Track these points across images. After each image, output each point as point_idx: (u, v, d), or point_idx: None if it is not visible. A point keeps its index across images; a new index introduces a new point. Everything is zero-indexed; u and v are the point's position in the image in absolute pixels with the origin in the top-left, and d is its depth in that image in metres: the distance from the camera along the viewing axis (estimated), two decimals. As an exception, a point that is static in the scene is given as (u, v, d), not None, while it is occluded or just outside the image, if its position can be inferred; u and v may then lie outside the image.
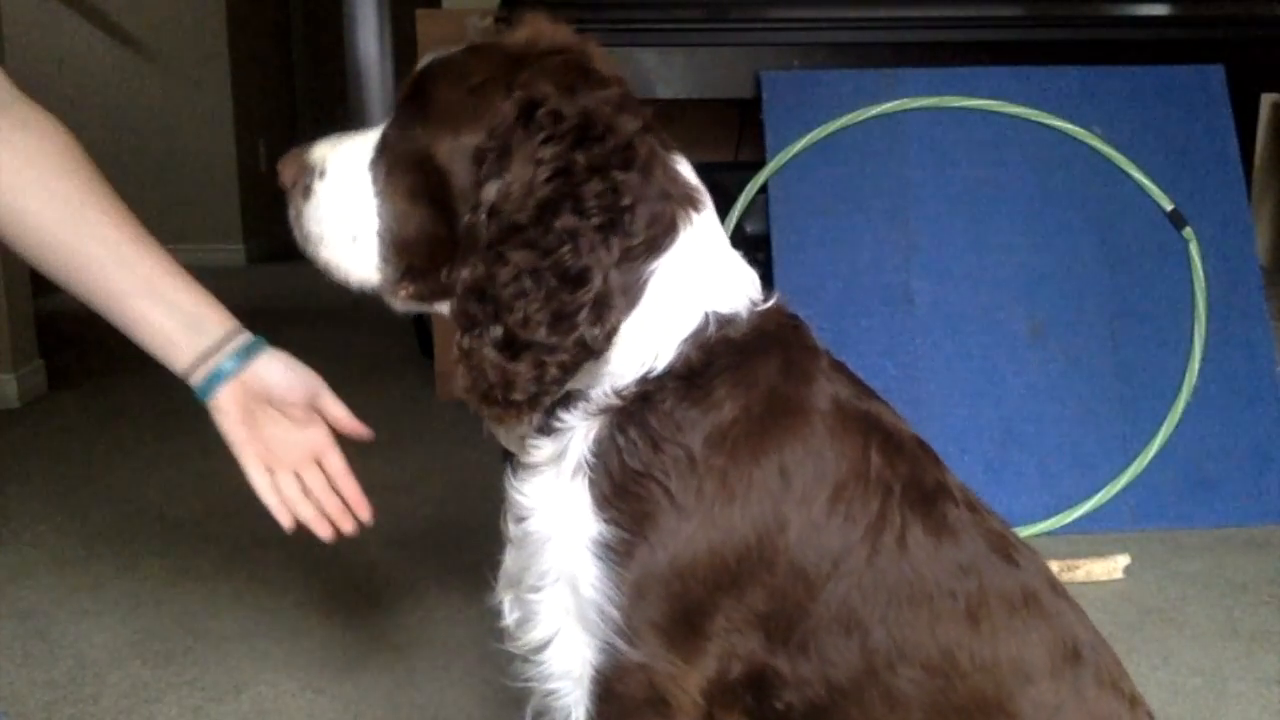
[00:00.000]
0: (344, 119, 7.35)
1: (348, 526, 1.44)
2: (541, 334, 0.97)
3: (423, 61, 1.08)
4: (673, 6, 2.95)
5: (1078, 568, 2.26)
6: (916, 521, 1.06)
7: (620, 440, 1.03)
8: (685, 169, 1.09)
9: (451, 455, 2.89)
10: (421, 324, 3.83)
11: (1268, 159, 4.15)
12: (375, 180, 1.07)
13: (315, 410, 1.43)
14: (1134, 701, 1.11)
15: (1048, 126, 2.69)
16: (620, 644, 1.03)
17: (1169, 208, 2.66)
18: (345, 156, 1.09)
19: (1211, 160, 2.72)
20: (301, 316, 4.40)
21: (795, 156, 2.65)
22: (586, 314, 0.96)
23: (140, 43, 5.41)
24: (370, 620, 2.11)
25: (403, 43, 7.09)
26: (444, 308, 1.10)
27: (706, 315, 1.05)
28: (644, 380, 1.03)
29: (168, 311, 1.35)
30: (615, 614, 1.02)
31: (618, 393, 1.04)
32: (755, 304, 1.09)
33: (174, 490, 2.74)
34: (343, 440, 1.51)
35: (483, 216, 0.99)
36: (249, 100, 5.76)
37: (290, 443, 1.41)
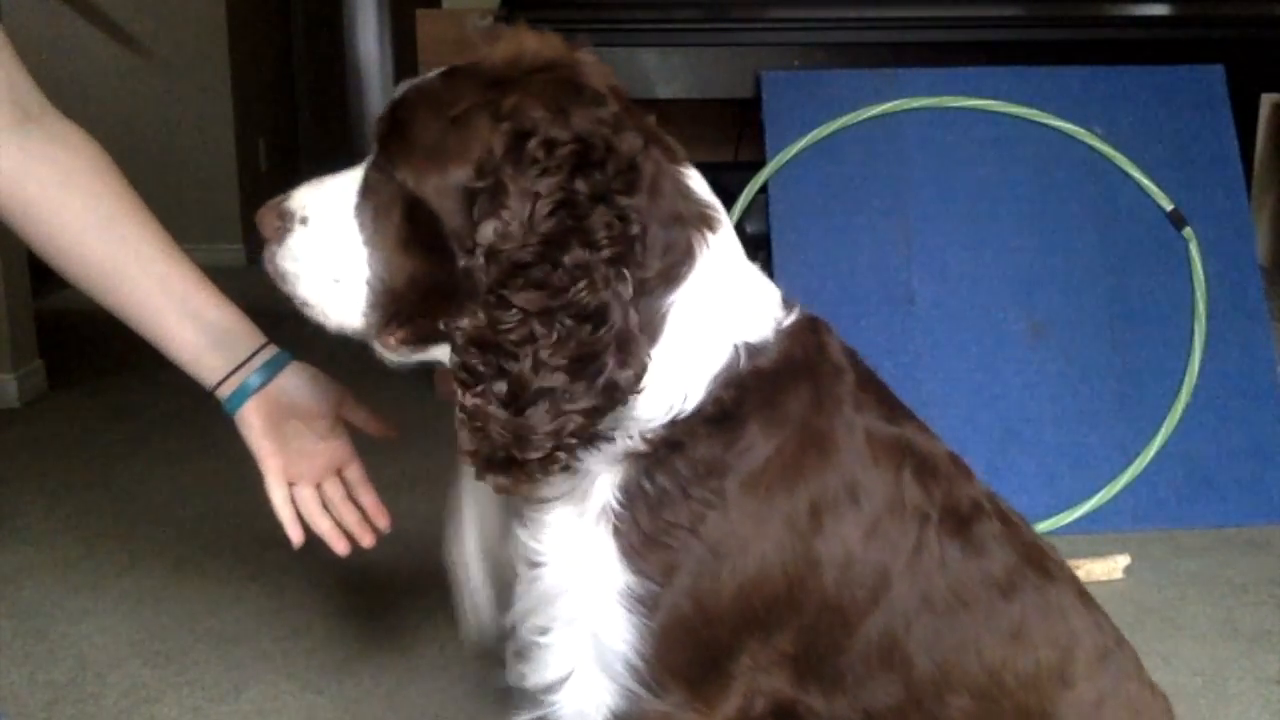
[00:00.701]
0: (344, 119, 7.34)
1: (366, 540, 1.46)
2: (559, 380, 0.88)
3: (398, 90, 0.99)
4: (673, 6, 2.95)
5: (1078, 568, 2.26)
6: (955, 545, 1.03)
7: (649, 487, 0.96)
8: (696, 182, 1.02)
9: (451, 455, 2.88)
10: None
11: (1268, 159, 4.15)
12: (362, 227, 0.98)
13: (340, 420, 1.42)
14: (1153, 688, 1.14)
15: (1048, 126, 2.69)
16: (642, 692, 0.98)
17: (1169, 208, 2.66)
18: (327, 201, 1.00)
19: (1211, 160, 2.72)
20: (301, 316, 4.38)
21: (795, 156, 2.65)
22: (613, 354, 0.88)
23: (140, 43, 5.41)
24: (370, 620, 2.11)
25: (403, 43, 7.09)
26: (442, 353, 1.02)
27: (736, 349, 0.98)
28: (673, 424, 0.96)
29: (199, 329, 1.38)
30: (640, 663, 0.97)
31: (644, 436, 0.97)
32: (780, 323, 1.02)
33: (174, 490, 2.74)
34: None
35: (480, 260, 0.90)
36: (249, 100, 5.76)
37: (313, 454, 1.41)
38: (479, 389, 0.91)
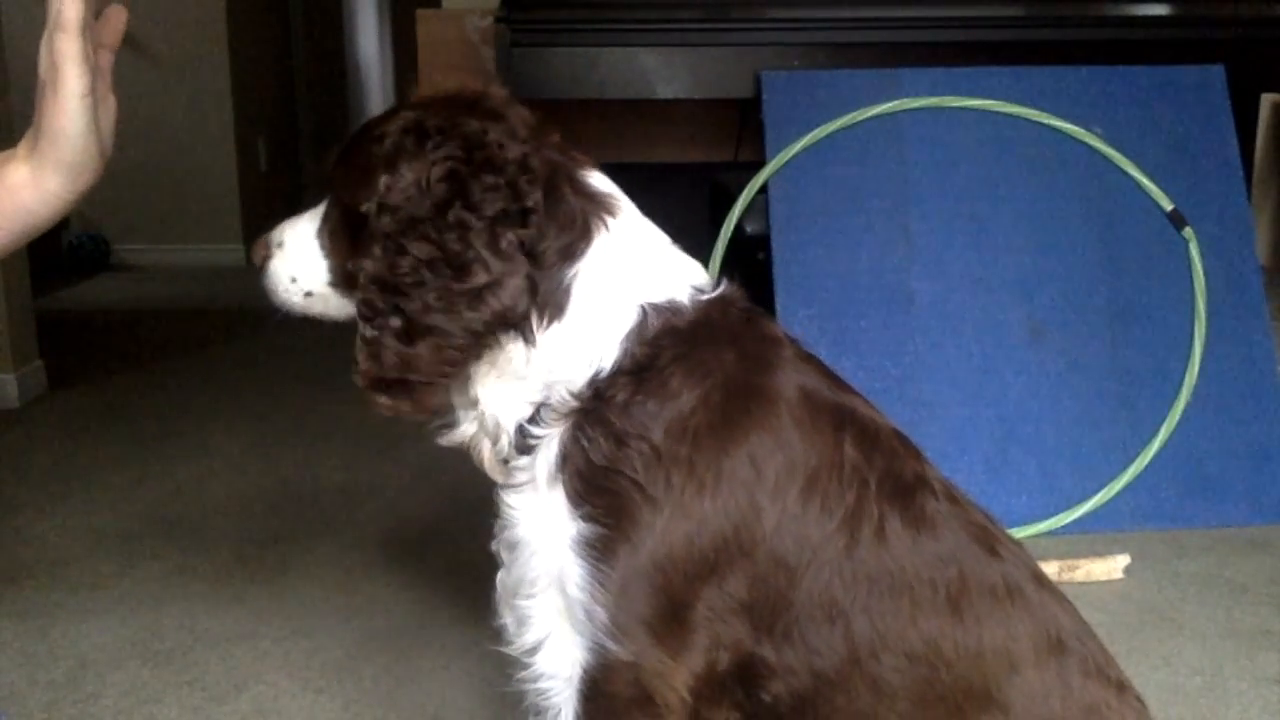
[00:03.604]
0: (344, 119, 7.34)
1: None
2: (439, 320, 1.04)
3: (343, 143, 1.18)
4: (673, 6, 2.95)
5: (1078, 568, 2.26)
6: (895, 514, 1.07)
7: (584, 440, 1.06)
8: (597, 180, 1.14)
9: (451, 455, 2.88)
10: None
11: (1268, 159, 4.15)
12: (321, 245, 1.20)
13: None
14: (1121, 688, 1.11)
15: (1048, 126, 2.69)
16: (608, 643, 1.04)
17: (1169, 208, 2.66)
18: (296, 231, 1.22)
19: (1211, 160, 2.72)
20: (301, 316, 4.38)
21: (795, 156, 2.65)
22: (470, 300, 1.03)
23: (140, 43, 5.41)
24: (370, 620, 2.11)
25: (403, 43, 7.10)
26: None
27: (643, 309, 1.08)
28: (594, 381, 1.07)
29: None
30: (601, 612, 1.04)
31: (574, 396, 1.08)
32: (700, 292, 1.11)
33: (174, 490, 2.74)
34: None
35: (377, 209, 1.07)
36: (249, 100, 5.76)
37: None
38: (376, 322, 1.07)
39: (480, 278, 1.03)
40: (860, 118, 2.67)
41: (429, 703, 1.83)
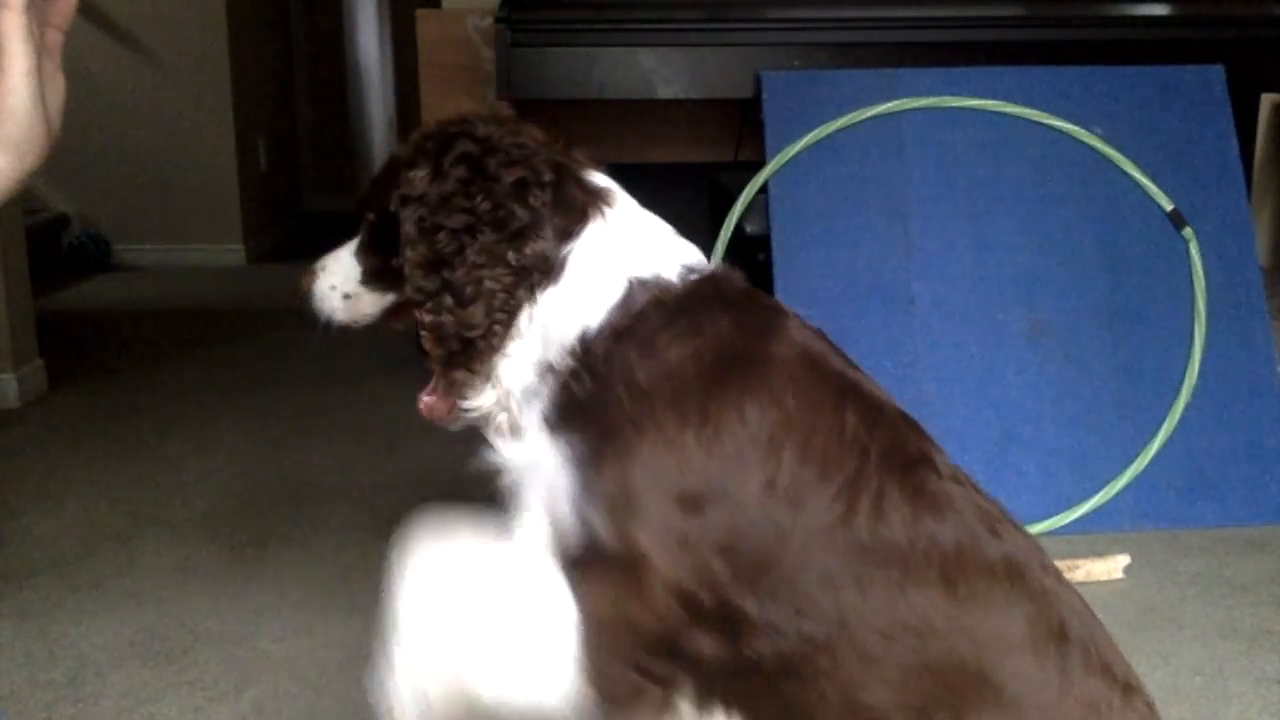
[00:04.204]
0: (344, 119, 7.34)
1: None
2: (484, 274, 1.13)
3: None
4: (673, 6, 2.96)
5: (1078, 568, 2.26)
6: (894, 486, 1.06)
7: (572, 385, 1.11)
8: (598, 178, 1.22)
9: (452, 455, 2.88)
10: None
11: (1268, 159, 4.15)
12: (358, 257, 1.33)
13: None
14: (1128, 689, 1.09)
15: (1048, 126, 2.69)
16: (597, 533, 1.06)
17: (1169, 208, 2.66)
18: (336, 255, 1.36)
19: (1211, 160, 2.72)
20: (301, 317, 4.38)
21: (795, 156, 2.65)
22: (510, 242, 1.12)
23: (140, 43, 5.41)
24: (370, 620, 2.10)
25: (403, 43, 7.10)
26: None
27: (630, 281, 1.13)
28: (584, 337, 1.12)
29: None
30: (593, 515, 1.06)
31: (569, 352, 1.13)
32: (691, 270, 1.15)
33: (174, 490, 2.74)
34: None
35: (401, 202, 1.17)
36: (249, 100, 5.76)
37: None
38: (432, 306, 1.16)
39: (517, 222, 1.12)
40: (860, 118, 2.67)
41: (429, 703, 1.83)
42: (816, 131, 2.65)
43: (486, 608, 1.09)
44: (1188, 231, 2.65)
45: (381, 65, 7.50)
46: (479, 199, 1.13)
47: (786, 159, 2.65)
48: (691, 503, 1.05)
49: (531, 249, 1.13)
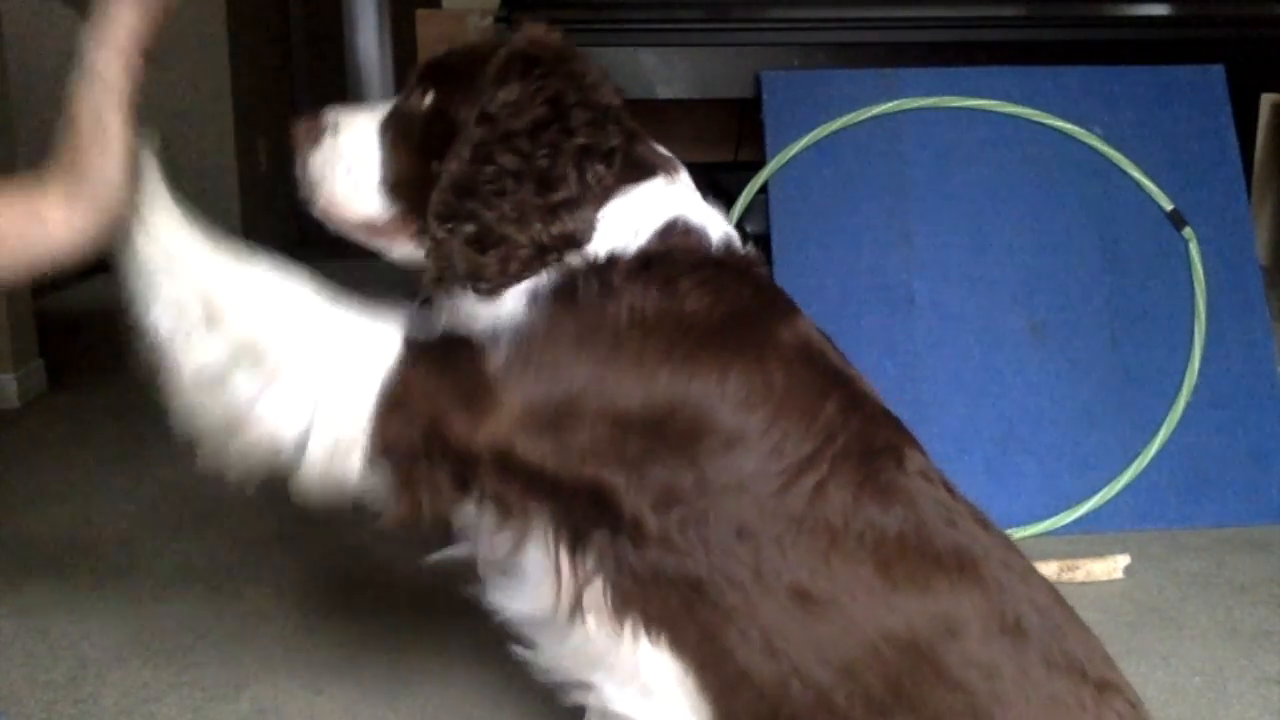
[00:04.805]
0: (344, 119, 7.35)
1: None
2: (511, 229, 1.08)
3: (429, 55, 1.22)
4: (673, 6, 2.95)
5: (1078, 568, 2.26)
6: (845, 473, 1.07)
7: (580, 281, 1.10)
8: (661, 148, 1.21)
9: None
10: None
11: (1268, 159, 4.15)
12: (384, 138, 1.19)
13: None
14: (1104, 686, 1.07)
15: (1048, 126, 2.69)
16: (484, 350, 1.07)
17: (1169, 208, 2.66)
18: (358, 117, 1.21)
19: (1211, 160, 2.72)
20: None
21: (795, 156, 2.65)
22: (544, 214, 1.08)
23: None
24: (370, 620, 2.11)
25: (403, 43, 7.10)
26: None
27: (675, 219, 1.13)
28: (612, 256, 1.11)
29: None
30: (501, 343, 1.07)
31: (585, 260, 1.11)
32: (729, 240, 1.17)
33: (174, 490, 2.74)
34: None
35: (479, 116, 1.11)
36: (249, 100, 5.76)
37: None
38: (450, 226, 1.10)
39: (560, 193, 1.09)
40: (860, 118, 2.67)
41: (429, 703, 1.83)
42: (816, 131, 2.65)
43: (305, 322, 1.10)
44: (1188, 231, 2.65)
45: (381, 65, 7.50)
46: (541, 153, 1.09)
47: (786, 159, 2.65)
48: (620, 423, 1.06)
49: (559, 228, 1.09)
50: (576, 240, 1.10)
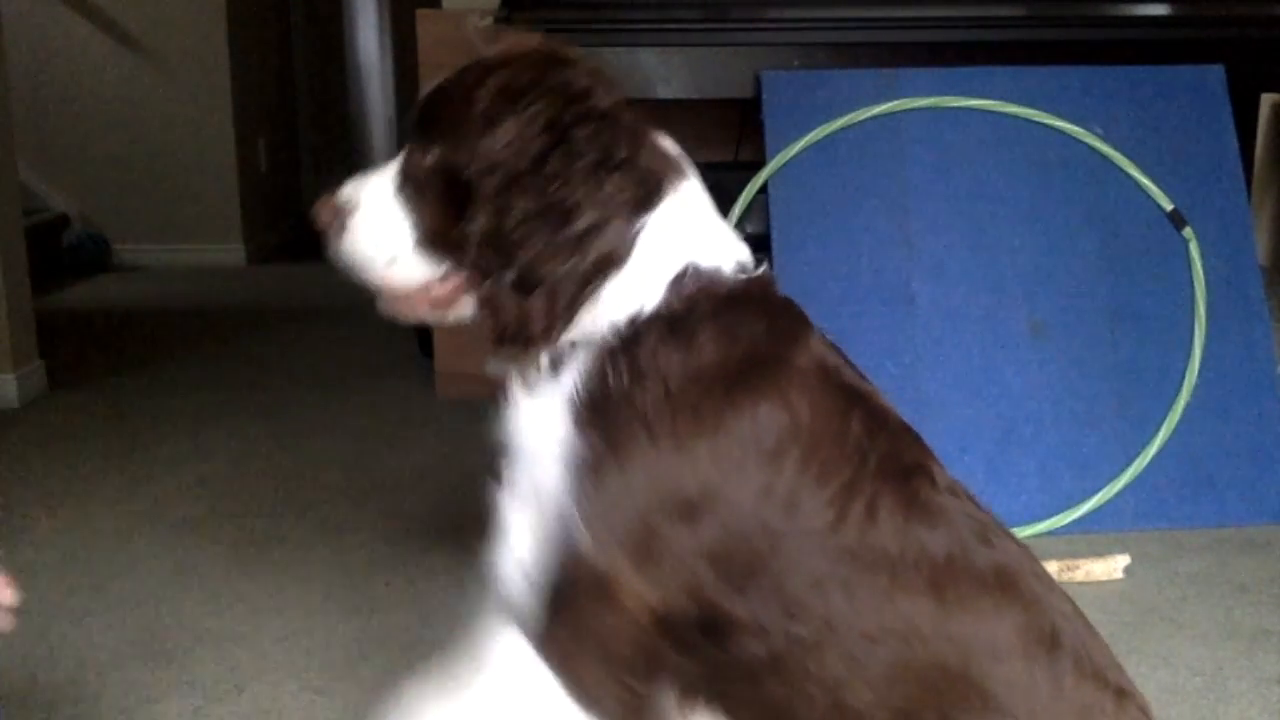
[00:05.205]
0: (344, 119, 7.34)
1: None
2: (549, 269, 1.08)
3: (423, 93, 1.19)
4: (673, 6, 2.95)
5: (1078, 568, 2.26)
6: (888, 494, 1.08)
7: (608, 368, 1.09)
8: (668, 144, 1.18)
9: (452, 455, 2.89)
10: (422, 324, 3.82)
11: (1268, 159, 4.15)
12: (404, 203, 1.17)
13: None
14: (1121, 694, 1.10)
15: (1048, 126, 2.69)
16: (581, 547, 1.07)
17: (1169, 208, 2.66)
18: (373, 189, 1.18)
19: (1211, 160, 2.72)
20: (302, 316, 4.40)
21: (795, 156, 2.65)
22: (575, 245, 1.07)
23: (140, 43, 5.41)
24: (370, 620, 2.11)
25: (403, 43, 7.09)
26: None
27: (687, 266, 1.12)
28: (634, 321, 1.11)
29: None
30: (579, 523, 1.07)
31: (613, 332, 1.11)
32: (743, 267, 1.16)
33: (174, 490, 2.74)
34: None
35: (484, 168, 1.09)
36: (249, 100, 5.75)
37: None
38: (492, 280, 1.10)
39: (583, 222, 1.07)
40: (860, 118, 2.67)
41: (429, 703, 1.83)
42: (816, 131, 2.65)
43: None
44: (1188, 231, 2.65)
45: (381, 65, 7.50)
46: (551, 185, 1.07)
47: (786, 159, 2.65)
48: (688, 511, 1.07)
49: (595, 253, 1.08)
50: (617, 259, 1.09)
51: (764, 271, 1.18)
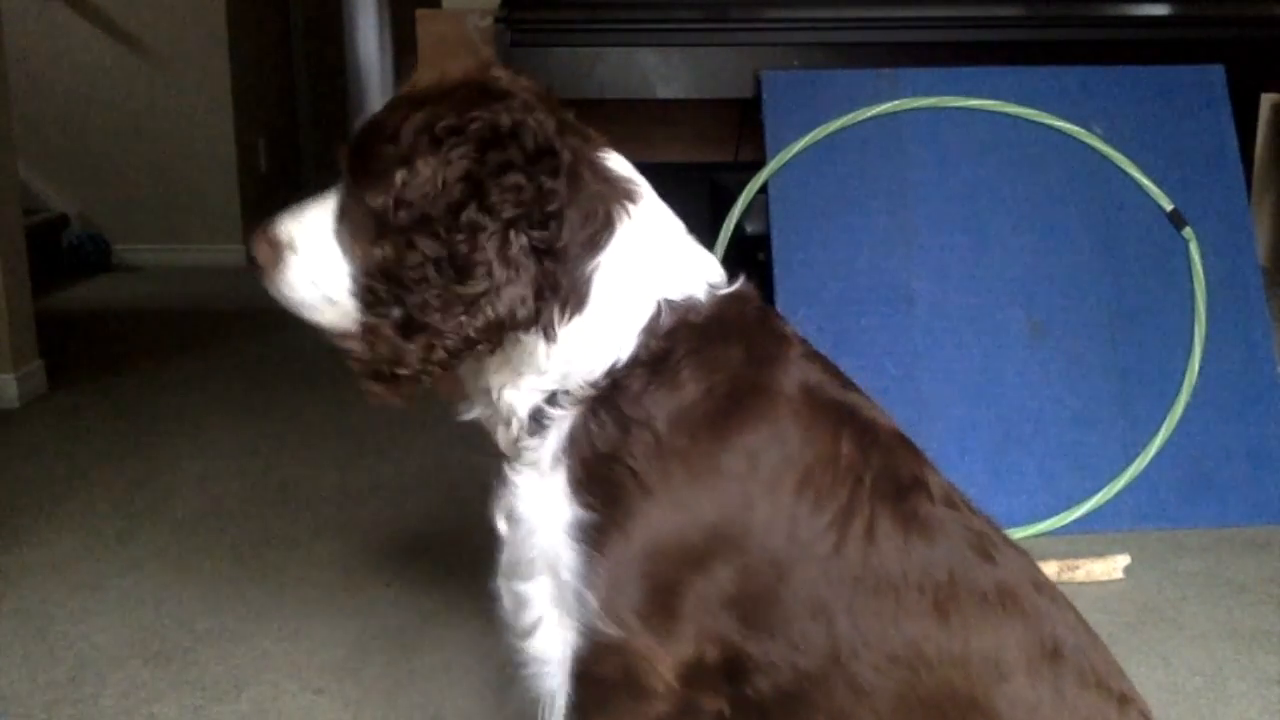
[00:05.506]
0: (344, 119, 7.34)
1: None
2: (435, 319, 1.03)
3: (355, 128, 1.17)
4: (673, 6, 2.95)
5: (1078, 568, 2.26)
6: (886, 513, 1.07)
7: (593, 426, 1.08)
8: (615, 162, 1.13)
9: (451, 455, 2.89)
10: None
11: (1268, 159, 4.15)
12: (341, 245, 1.13)
13: None
14: (1124, 700, 1.10)
15: (1048, 126, 2.69)
16: (598, 626, 1.06)
17: (1169, 208, 2.66)
18: (310, 229, 1.15)
19: (1211, 160, 2.72)
20: (300, 322, 4.38)
21: (795, 156, 2.65)
22: (466, 306, 1.03)
23: (140, 43, 5.41)
24: (370, 620, 2.11)
25: (403, 43, 7.09)
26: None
27: (659, 305, 1.09)
28: (612, 370, 1.08)
29: None
30: (592, 597, 1.05)
31: (591, 385, 1.09)
32: (715, 288, 1.13)
33: (174, 490, 2.74)
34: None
35: (391, 204, 1.05)
36: (249, 100, 5.75)
37: None
38: (377, 311, 1.07)
39: (479, 285, 1.02)
40: (860, 118, 2.67)
41: (429, 703, 1.83)
42: (816, 131, 2.65)
43: None
44: (1188, 231, 2.65)
45: (381, 65, 7.50)
46: (458, 237, 1.02)
47: (786, 159, 2.65)
48: (698, 560, 1.06)
49: (483, 319, 1.03)
50: (511, 324, 1.04)
51: (737, 286, 1.14)
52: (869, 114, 2.67)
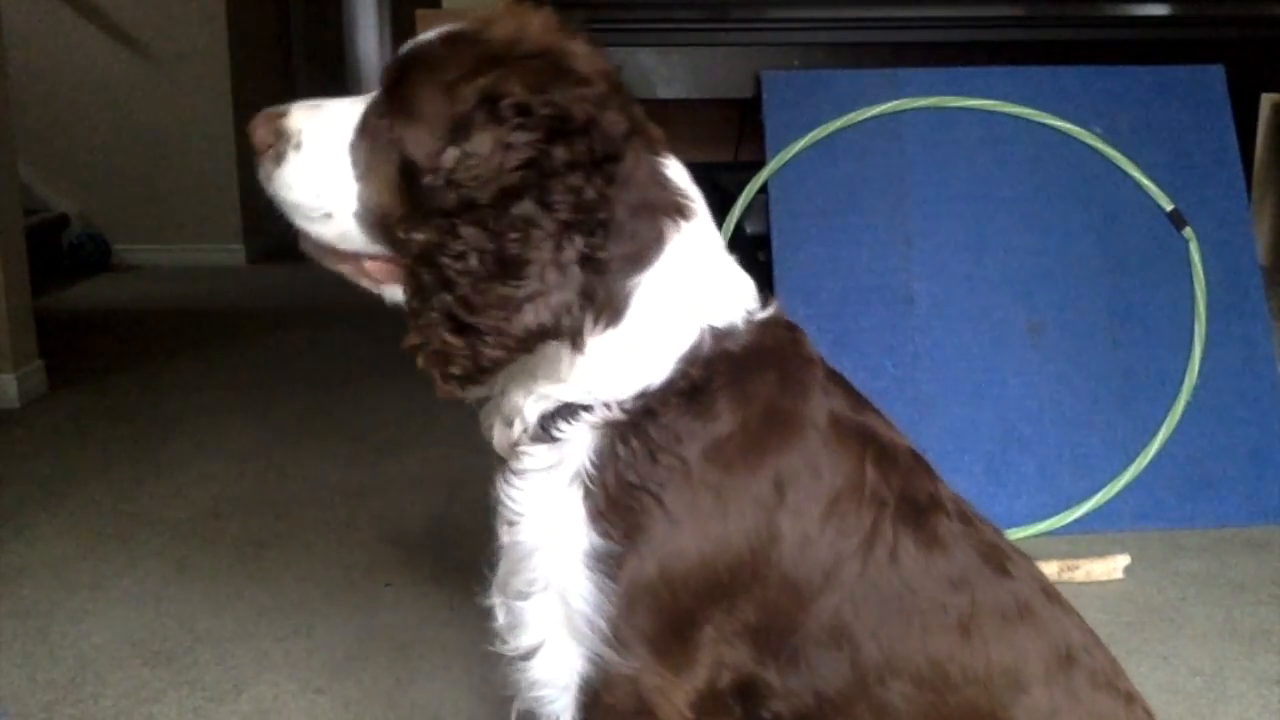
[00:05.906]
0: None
1: None
2: (477, 320, 0.96)
3: (405, 47, 1.07)
4: (673, 6, 2.95)
5: (1078, 568, 2.26)
6: (908, 535, 1.06)
7: (621, 451, 1.02)
8: (676, 172, 1.07)
9: (451, 455, 2.88)
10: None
11: (1268, 159, 4.15)
12: (355, 164, 1.05)
13: None
14: (1130, 698, 1.11)
15: (1048, 126, 2.69)
16: (609, 654, 1.02)
17: (1169, 208, 2.66)
18: (324, 131, 1.06)
19: (1211, 160, 2.72)
20: (301, 316, 4.40)
21: (795, 156, 2.65)
22: (510, 307, 0.95)
23: (140, 42, 5.41)
24: (370, 620, 2.11)
25: (402, 43, 7.09)
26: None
27: (703, 331, 1.04)
28: (644, 394, 1.03)
29: None
30: (604, 625, 1.02)
31: (620, 407, 1.03)
32: (752, 315, 1.08)
33: (174, 490, 2.74)
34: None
35: (441, 182, 0.97)
36: (249, 100, 5.76)
37: None
38: (425, 298, 0.98)
39: (529, 286, 0.94)
40: (860, 118, 2.67)
41: (429, 703, 1.83)
42: (816, 131, 2.65)
43: None
44: (1188, 231, 2.65)
45: (381, 65, 7.50)
46: (510, 232, 0.94)
47: (786, 159, 2.65)
48: (722, 594, 1.04)
49: (525, 323, 0.95)
50: (554, 332, 0.96)
51: (772, 311, 1.10)
52: (869, 114, 2.67)
